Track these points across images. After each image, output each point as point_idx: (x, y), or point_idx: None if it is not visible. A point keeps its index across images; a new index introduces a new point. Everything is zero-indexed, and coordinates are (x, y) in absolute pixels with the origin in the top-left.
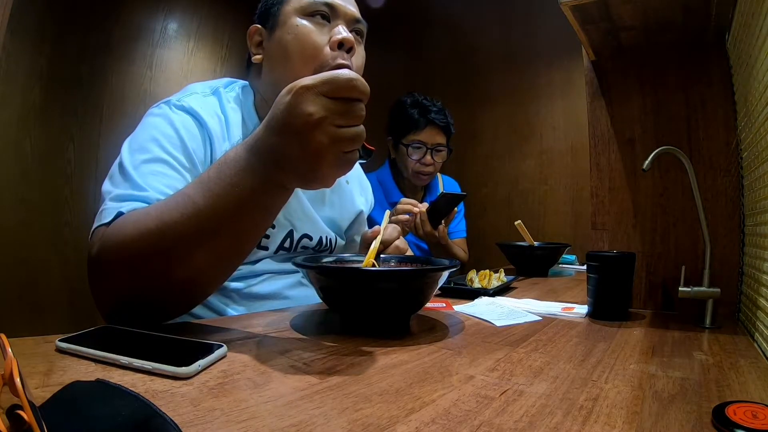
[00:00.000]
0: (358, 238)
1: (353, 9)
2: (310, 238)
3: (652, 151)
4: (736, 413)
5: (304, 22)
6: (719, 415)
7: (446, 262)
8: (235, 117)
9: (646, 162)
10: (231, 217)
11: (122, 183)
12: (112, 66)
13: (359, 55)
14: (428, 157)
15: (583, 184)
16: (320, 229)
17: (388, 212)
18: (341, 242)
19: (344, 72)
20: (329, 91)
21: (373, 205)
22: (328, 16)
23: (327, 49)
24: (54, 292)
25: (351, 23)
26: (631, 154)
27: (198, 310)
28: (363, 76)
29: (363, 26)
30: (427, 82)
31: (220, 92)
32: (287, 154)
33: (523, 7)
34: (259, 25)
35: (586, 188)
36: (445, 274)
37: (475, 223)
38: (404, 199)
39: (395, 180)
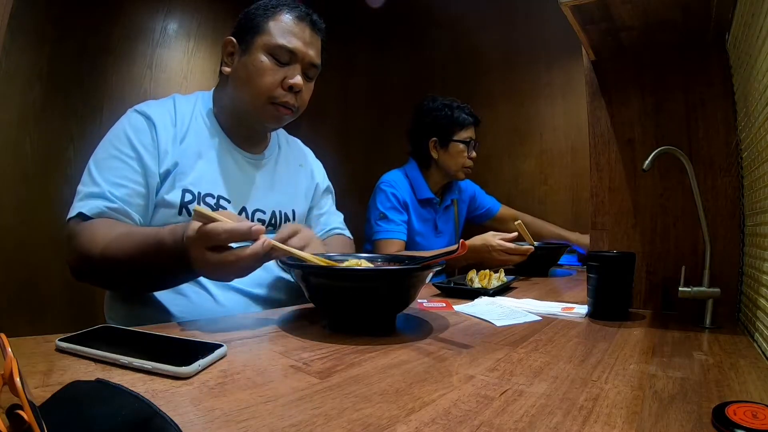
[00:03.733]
0: (316, 211)
1: (313, 54)
2: (264, 212)
3: (652, 151)
4: (736, 413)
5: (267, 59)
6: (719, 415)
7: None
8: (186, 110)
9: (646, 162)
10: (153, 274)
11: (87, 181)
12: (112, 66)
13: (308, 90)
14: (473, 152)
15: (583, 184)
16: (272, 206)
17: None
18: (301, 214)
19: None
20: (207, 243)
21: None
22: (288, 60)
23: (279, 89)
24: (54, 292)
25: (307, 66)
26: (631, 154)
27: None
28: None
29: (317, 69)
30: (428, 82)
31: (174, 97)
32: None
33: (523, 8)
34: (234, 39)
35: (586, 188)
36: (431, 273)
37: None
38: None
39: (424, 177)
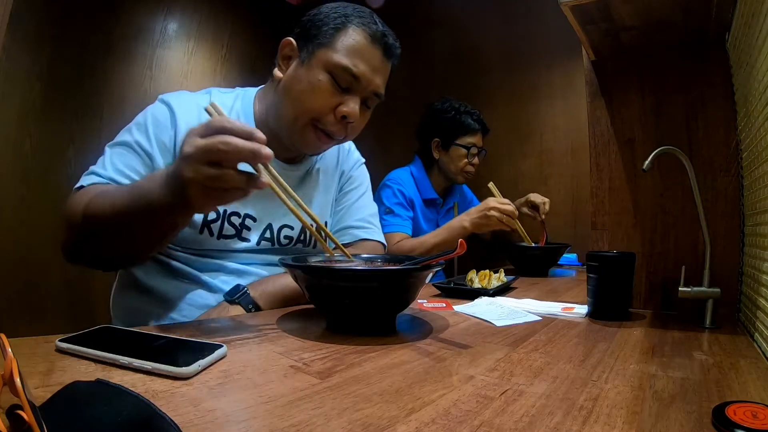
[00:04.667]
0: (335, 208)
1: (379, 82)
2: (291, 228)
3: (652, 151)
4: (736, 413)
5: (325, 79)
6: (719, 415)
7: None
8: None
9: (646, 162)
10: (135, 216)
11: (99, 161)
12: (112, 66)
13: (363, 119)
14: (476, 159)
15: (583, 184)
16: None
17: None
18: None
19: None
20: (203, 131)
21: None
22: (349, 85)
23: (330, 115)
24: (54, 292)
25: (369, 95)
26: (631, 154)
27: (195, 297)
28: None
29: (379, 99)
30: (427, 82)
31: (211, 91)
32: (175, 181)
33: (523, 7)
34: (294, 42)
35: (586, 188)
36: (431, 273)
37: None
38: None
39: (428, 177)
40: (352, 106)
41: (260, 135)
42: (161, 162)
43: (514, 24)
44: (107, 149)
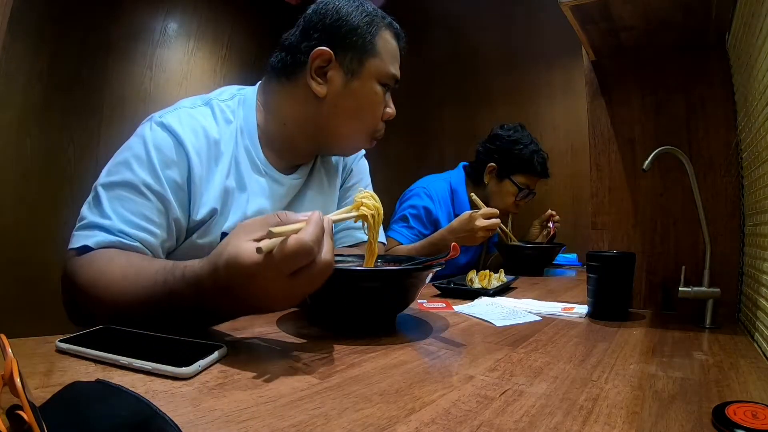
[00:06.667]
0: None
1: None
2: None
3: (652, 151)
4: (736, 413)
5: (380, 90)
6: (719, 415)
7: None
8: (228, 130)
9: (646, 162)
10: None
11: (93, 208)
12: (112, 66)
13: None
14: (524, 201)
15: (583, 184)
16: None
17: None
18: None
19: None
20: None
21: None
22: (390, 88)
23: (380, 121)
24: (54, 292)
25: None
26: (631, 154)
27: None
28: None
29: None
30: (427, 82)
31: (211, 103)
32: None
33: (523, 8)
34: (331, 52)
35: (586, 188)
36: (430, 273)
37: None
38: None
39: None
40: (392, 106)
41: (321, 216)
42: (176, 205)
43: (514, 24)
44: (102, 191)
